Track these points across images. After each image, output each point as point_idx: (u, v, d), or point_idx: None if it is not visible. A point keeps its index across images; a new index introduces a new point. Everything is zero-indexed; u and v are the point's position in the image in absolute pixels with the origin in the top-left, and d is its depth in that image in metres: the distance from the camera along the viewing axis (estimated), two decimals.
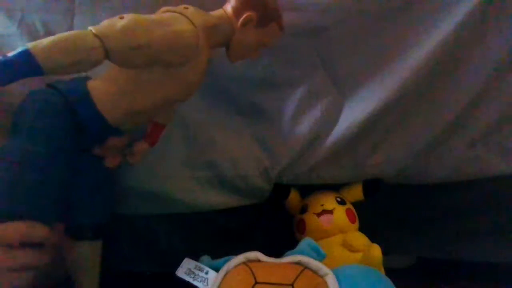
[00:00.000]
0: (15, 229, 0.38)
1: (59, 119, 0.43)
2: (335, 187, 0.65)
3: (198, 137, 0.59)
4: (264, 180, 0.61)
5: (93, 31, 0.39)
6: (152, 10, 0.46)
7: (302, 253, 0.46)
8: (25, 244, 0.38)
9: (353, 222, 0.61)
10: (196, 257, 0.47)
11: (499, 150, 0.61)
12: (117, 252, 0.58)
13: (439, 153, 0.61)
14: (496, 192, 0.64)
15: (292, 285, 0.41)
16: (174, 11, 0.45)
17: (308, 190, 0.65)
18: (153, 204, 0.59)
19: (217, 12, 0.49)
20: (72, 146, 0.44)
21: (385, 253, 0.50)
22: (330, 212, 0.60)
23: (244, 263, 0.45)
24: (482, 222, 0.66)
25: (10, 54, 0.36)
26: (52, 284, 0.47)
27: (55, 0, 0.55)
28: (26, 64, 0.36)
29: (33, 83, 0.43)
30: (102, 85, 0.45)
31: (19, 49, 0.36)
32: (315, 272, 0.44)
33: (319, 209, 0.61)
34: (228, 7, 0.49)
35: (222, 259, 0.46)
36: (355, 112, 0.59)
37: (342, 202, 0.62)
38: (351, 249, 0.55)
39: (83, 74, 0.45)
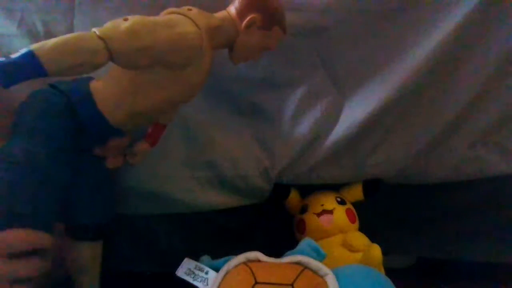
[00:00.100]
0: (15, 237, 0.37)
1: (60, 119, 0.43)
2: (335, 187, 0.65)
3: (198, 137, 0.59)
4: (264, 180, 0.61)
5: (97, 32, 0.39)
6: (153, 10, 0.46)
7: (302, 253, 0.46)
8: (26, 253, 0.38)
9: (353, 222, 0.61)
10: (196, 257, 0.47)
11: (499, 150, 0.61)
12: (117, 252, 0.58)
13: (439, 153, 0.61)
14: (496, 192, 0.64)
15: (292, 285, 0.41)
16: (178, 13, 0.44)
17: (308, 190, 0.65)
18: (153, 204, 0.59)
19: (221, 14, 0.49)
20: (73, 146, 0.44)
21: (385, 253, 0.50)
22: (330, 212, 0.60)
23: (244, 263, 0.45)
24: (482, 222, 0.66)
25: (14, 55, 0.36)
26: (52, 284, 0.47)
27: (55, 0, 0.55)
28: (30, 66, 0.36)
29: (34, 83, 0.43)
30: (105, 86, 0.45)
31: (23, 51, 0.36)
32: (315, 272, 0.44)
33: (319, 209, 0.61)
34: (232, 9, 0.49)
35: (222, 259, 0.46)
36: (355, 112, 0.59)
37: (342, 202, 0.62)
38: (351, 249, 0.55)
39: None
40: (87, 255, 0.51)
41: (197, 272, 0.45)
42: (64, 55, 0.37)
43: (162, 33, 0.41)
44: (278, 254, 0.47)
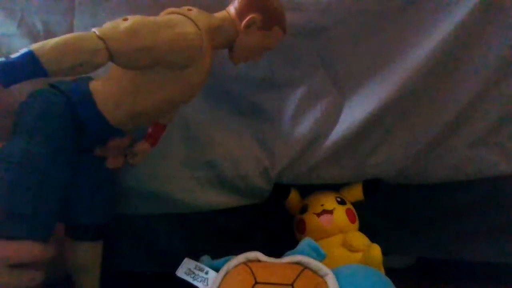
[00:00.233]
0: (15, 250, 0.38)
1: (60, 119, 0.42)
2: (335, 187, 0.65)
3: (198, 137, 0.59)
4: (264, 180, 0.61)
5: (97, 33, 0.39)
6: (153, 10, 0.46)
7: (302, 253, 0.46)
8: (25, 265, 0.38)
9: (353, 222, 0.61)
10: (196, 257, 0.47)
11: (499, 150, 0.61)
12: (117, 252, 0.58)
13: (439, 153, 0.61)
14: (496, 192, 0.64)
15: (292, 285, 0.41)
16: (178, 13, 0.44)
17: (308, 190, 0.65)
18: (153, 204, 0.59)
19: (221, 14, 0.49)
20: (73, 146, 0.44)
21: (385, 253, 0.50)
22: (330, 212, 0.60)
23: (244, 263, 0.45)
24: (482, 222, 0.66)
25: (14, 55, 0.36)
26: (52, 284, 0.47)
27: (55, 0, 0.55)
28: (30, 66, 0.36)
29: (34, 83, 0.43)
30: (105, 86, 0.45)
31: (23, 51, 0.36)
32: (315, 272, 0.44)
33: (319, 209, 0.61)
34: (232, 9, 0.49)
35: (222, 259, 0.46)
36: (355, 112, 0.59)
37: (342, 202, 0.62)
38: (351, 249, 0.55)
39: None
40: (87, 255, 0.51)
41: (197, 272, 0.45)
42: (64, 55, 0.37)
43: (162, 33, 0.41)
44: (278, 254, 0.47)
